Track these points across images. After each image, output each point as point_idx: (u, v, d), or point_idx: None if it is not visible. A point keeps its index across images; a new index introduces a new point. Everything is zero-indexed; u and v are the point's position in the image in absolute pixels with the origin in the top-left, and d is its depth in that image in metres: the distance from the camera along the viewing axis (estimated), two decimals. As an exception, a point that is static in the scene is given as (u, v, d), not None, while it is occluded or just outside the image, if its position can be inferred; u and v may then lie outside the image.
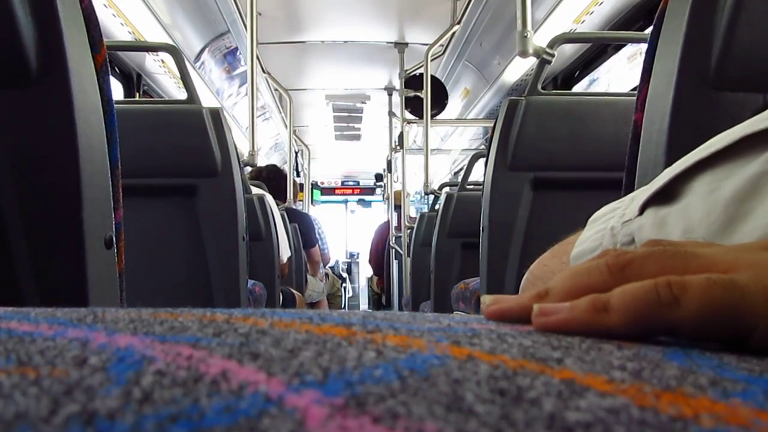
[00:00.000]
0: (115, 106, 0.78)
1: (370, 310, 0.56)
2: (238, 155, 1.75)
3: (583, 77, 3.46)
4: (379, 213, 9.18)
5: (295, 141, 5.71)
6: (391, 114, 5.07)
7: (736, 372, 0.18)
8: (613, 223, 0.41)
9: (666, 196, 0.37)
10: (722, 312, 0.23)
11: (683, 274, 0.24)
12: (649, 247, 0.27)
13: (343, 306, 6.32)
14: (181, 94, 1.72)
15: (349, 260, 8.48)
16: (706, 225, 0.33)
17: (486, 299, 0.31)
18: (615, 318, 0.24)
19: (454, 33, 3.71)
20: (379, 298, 6.00)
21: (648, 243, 0.29)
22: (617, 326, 0.24)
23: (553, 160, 1.63)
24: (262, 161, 5.65)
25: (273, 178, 3.63)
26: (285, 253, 2.69)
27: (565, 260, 0.45)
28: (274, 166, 3.96)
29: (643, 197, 0.39)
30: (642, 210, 0.39)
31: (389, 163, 5.10)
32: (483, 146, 5.52)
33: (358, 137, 6.89)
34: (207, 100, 3.60)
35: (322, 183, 9.86)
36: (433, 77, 3.83)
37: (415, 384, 0.15)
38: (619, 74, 3.13)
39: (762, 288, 0.23)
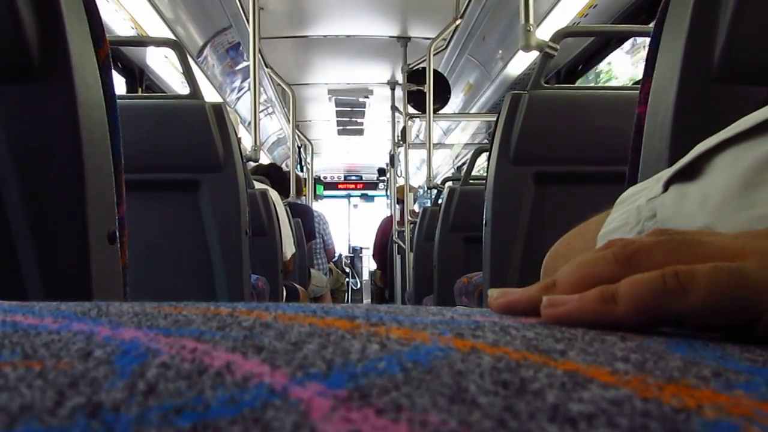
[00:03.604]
0: (118, 101, 0.78)
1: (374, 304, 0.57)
2: (240, 150, 1.75)
3: (587, 71, 3.45)
4: (382, 208, 9.17)
5: (298, 136, 5.70)
6: (393, 108, 5.06)
7: (739, 363, 0.18)
8: (639, 203, 0.41)
9: (689, 174, 0.37)
10: (729, 300, 0.23)
11: (690, 263, 0.24)
12: (656, 235, 0.27)
13: (346, 301, 6.32)
14: (184, 89, 1.72)
15: (353, 255, 8.48)
16: (723, 194, 0.33)
17: (493, 292, 0.31)
18: (623, 308, 0.24)
19: (457, 27, 3.70)
20: (382, 293, 6.00)
21: (654, 232, 0.29)
22: (625, 316, 0.24)
23: (556, 154, 1.63)
24: (264, 156, 5.65)
25: (276, 174, 3.64)
26: (289, 248, 2.69)
27: (589, 239, 0.46)
28: (276, 165, 3.98)
29: (667, 175, 0.39)
30: (666, 187, 0.39)
31: (392, 157, 5.09)
32: (486, 140, 5.51)
33: (360, 132, 6.88)
34: (210, 95, 3.60)
35: (325, 178, 9.85)
36: (435, 71, 3.82)
37: (418, 376, 0.15)
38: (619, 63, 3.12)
39: None
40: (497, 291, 0.31)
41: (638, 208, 0.41)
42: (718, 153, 0.36)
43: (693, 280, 0.23)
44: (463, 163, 5.02)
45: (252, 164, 2.87)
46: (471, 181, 2.80)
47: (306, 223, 4.00)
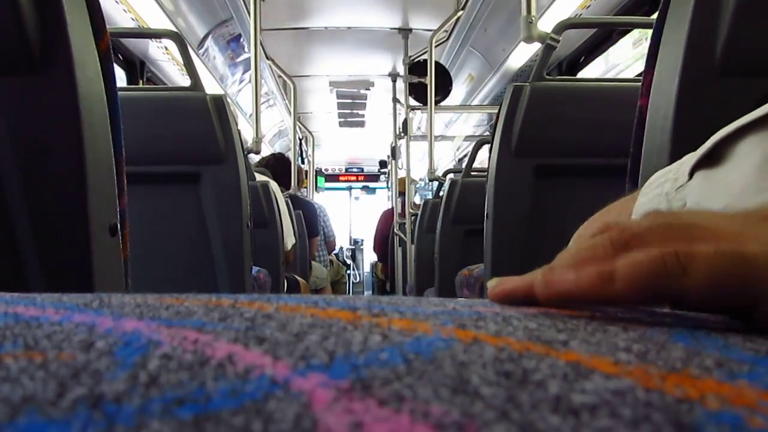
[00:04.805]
0: (119, 93, 0.78)
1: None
2: (242, 142, 1.75)
3: (589, 63, 3.44)
4: (383, 200, 9.17)
5: (300, 128, 5.70)
6: (395, 100, 5.05)
7: (742, 353, 0.18)
8: (667, 189, 0.41)
9: (713, 159, 0.37)
10: (729, 283, 0.22)
11: (688, 246, 0.24)
12: (652, 219, 0.27)
13: (347, 293, 6.33)
14: (185, 81, 1.72)
15: (354, 247, 8.48)
16: (742, 179, 0.34)
17: (492, 282, 0.31)
18: (620, 286, 0.24)
19: (458, 18, 3.69)
20: (384, 285, 6.01)
21: (650, 215, 0.29)
22: (622, 294, 0.24)
23: (558, 146, 1.62)
24: (265, 148, 5.65)
25: (279, 166, 3.64)
26: (290, 240, 2.70)
27: (623, 218, 0.45)
28: (281, 154, 3.97)
29: (691, 162, 0.39)
30: (691, 174, 0.39)
31: (393, 149, 5.09)
32: (487, 132, 5.50)
33: (362, 124, 6.88)
34: (211, 87, 3.60)
35: (326, 170, 9.85)
36: (437, 63, 3.81)
37: (420, 367, 0.15)
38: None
39: None
40: (496, 280, 0.31)
41: (667, 195, 0.41)
42: (739, 139, 0.36)
43: (693, 261, 0.23)
44: (465, 156, 5.01)
45: (253, 156, 2.87)
46: (472, 173, 2.80)
47: (309, 219, 4.00)
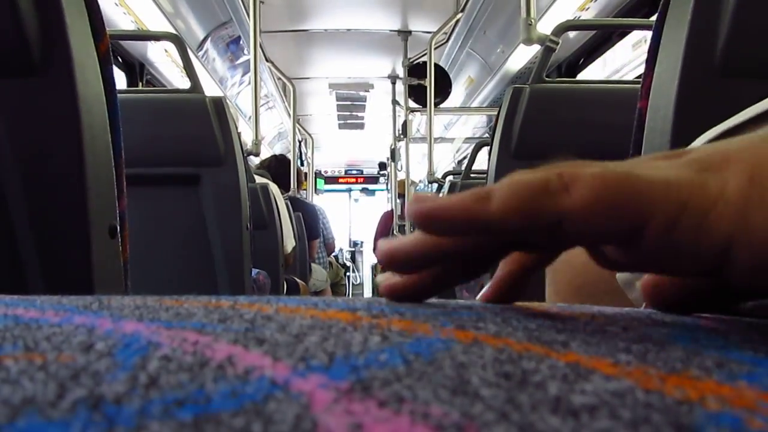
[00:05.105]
0: (118, 95, 0.78)
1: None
2: (241, 144, 1.75)
3: (588, 65, 3.44)
4: (382, 202, 9.17)
5: (299, 130, 5.70)
6: (394, 103, 5.05)
7: (742, 354, 0.18)
8: None
9: None
10: (614, 198, 0.21)
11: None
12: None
13: (347, 295, 6.32)
14: (184, 84, 1.72)
15: (353, 249, 8.49)
16: None
17: (383, 277, 0.28)
18: (497, 205, 0.22)
19: (457, 21, 3.70)
20: (383, 287, 6.00)
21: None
22: (498, 214, 0.22)
23: (557, 148, 1.61)
24: (265, 150, 5.65)
25: (281, 167, 3.64)
26: (289, 242, 2.70)
27: None
28: (283, 155, 3.98)
29: None
30: None
31: (393, 151, 5.09)
32: (487, 135, 5.50)
33: (361, 126, 6.88)
34: (210, 89, 3.60)
35: (326, 172, 9.86)
36: (436, 65, 3.82)
37: (420, 368, 0.15)
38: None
39: (662, 176, 0.21)
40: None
41: None
42: (734, 135, 0.36)
43: (577, 180, 0.21)
44: (464, 158, 5.02)
45: (253, 158, 2.88)
46: (472, 175, 2.80)
47: (310, 221, 4.00)
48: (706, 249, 0.20)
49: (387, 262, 0.26)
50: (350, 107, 6.15)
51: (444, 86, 4.31)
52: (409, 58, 4.19)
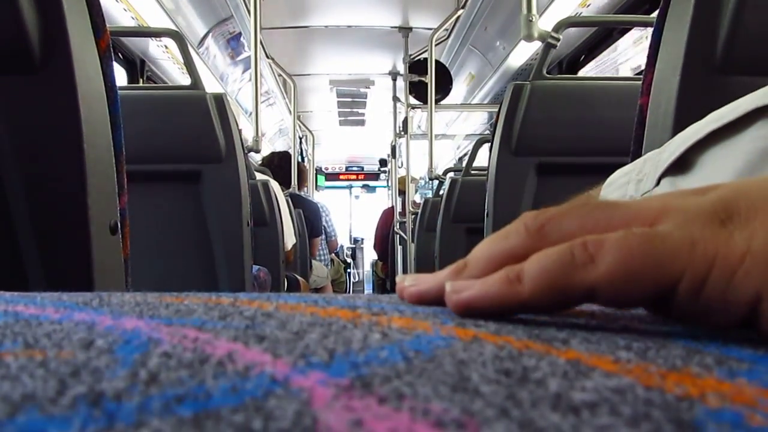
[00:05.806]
0: (119, 92, 0.78)
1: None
2: (242, 141, 1.75)
3: (589, 61, 3.44)
4: (383, 198, 9.17)
5: (300, 126, 5.69)
6: (395, 99, 5.05)
7: (742, 351, 0.18)
8: (630, 191, 0.40)
9: (680, 166, 0.37)
10: (641, 265, 0.20)
11: (605, 230, 0.22)
12: (571, 203, 0.26)
13: (347, 291, 6.32)
14: (185, 80, 1.72)
15: (354, 246, 8.48)
16: None
17: (405, 279, 0.28)
18: (529, 287, 0.22)
19: (458, 17, 3.69)
20: (384, 284, 6.01)
21: (573, 200, 0.27)
22: (532, 296, 0.22)
23: (558, 145, 1.62)
24: (266, 147, 5.66)
25: (284, 163, 3.65)
26: (290, 240, 2.70)
27: None
28: (285, 151, 3.98)
29: (658, 168, 0.38)
30: (658, 181, 0.38)
31: (393, 148, 5.09)
32: (488, 131, 5.50)
33: (362, 122, 6.88)
34: (211, 85, 3.59)
35: (327, 168, 9.86)
36: (437, 62, 3.81)
37: (420, 365, 0.15)
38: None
39: (686, 235, 0.21)
40: (409, 278, 0.28)
41: (631, 198, 0.40)
42: (707, 145, 0.35)
43: (602, 248, 0.21)
44: (465, 154, 5.01)
45: (254, 155, 2.87)
46: (473, 171, 2.80)
47: (312, 219, 4.00)
48: (735, 305, 0.20)
49: (412, 302, 0.27)
50: (351, 104, 6.15)
51: (445, 83, 4.30)
52: (410, 55, 4.19)
